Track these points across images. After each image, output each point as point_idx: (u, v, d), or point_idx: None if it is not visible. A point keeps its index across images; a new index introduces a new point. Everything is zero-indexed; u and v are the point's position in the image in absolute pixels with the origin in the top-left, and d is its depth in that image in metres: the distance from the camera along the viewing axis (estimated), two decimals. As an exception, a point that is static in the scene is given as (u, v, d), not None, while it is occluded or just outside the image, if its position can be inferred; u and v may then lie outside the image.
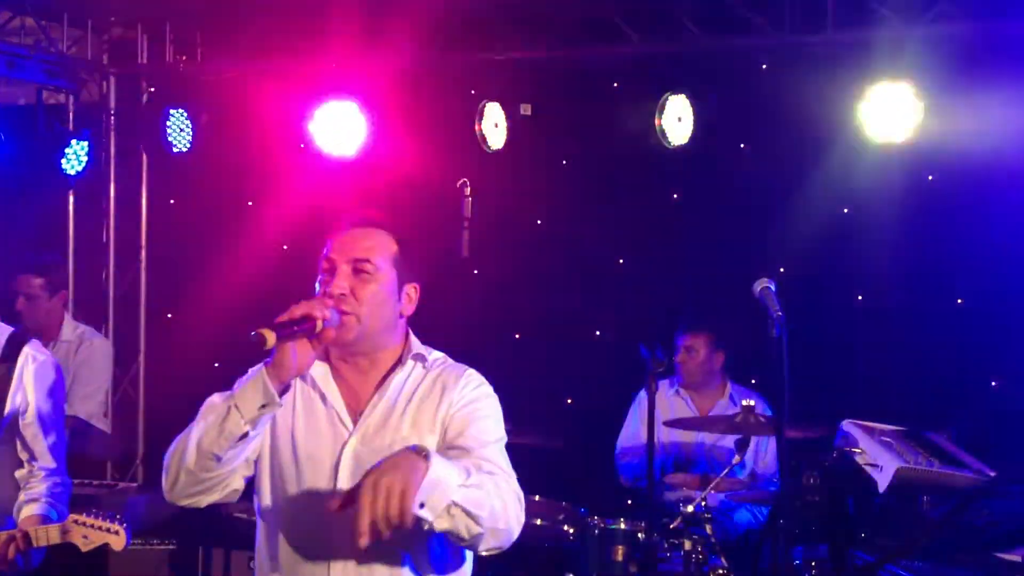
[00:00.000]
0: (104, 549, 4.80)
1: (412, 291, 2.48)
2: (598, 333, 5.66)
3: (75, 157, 5.67)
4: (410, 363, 2.46)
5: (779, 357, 2.71)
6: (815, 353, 5.12)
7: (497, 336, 5.84)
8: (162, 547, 5.46)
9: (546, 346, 5.76)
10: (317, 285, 2.41)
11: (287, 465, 2.40)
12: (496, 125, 5.32)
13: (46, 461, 3.42)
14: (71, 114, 6.08)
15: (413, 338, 2.52)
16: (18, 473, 3.44)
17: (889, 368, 5.20)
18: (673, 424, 4.49)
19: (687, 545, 3.95)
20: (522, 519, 2.31)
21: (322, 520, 2.29)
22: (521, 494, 2.33)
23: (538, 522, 4.58)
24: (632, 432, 5.07)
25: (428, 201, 4.42)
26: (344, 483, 2.34)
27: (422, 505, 2.06)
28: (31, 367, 3.41)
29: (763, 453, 4.77)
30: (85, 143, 5.69)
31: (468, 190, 4.37)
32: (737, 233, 5.42)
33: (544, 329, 5.76)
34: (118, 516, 3.18)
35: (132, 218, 6.35)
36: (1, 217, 5.60)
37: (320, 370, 2.43)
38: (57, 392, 3.51)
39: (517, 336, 5.95)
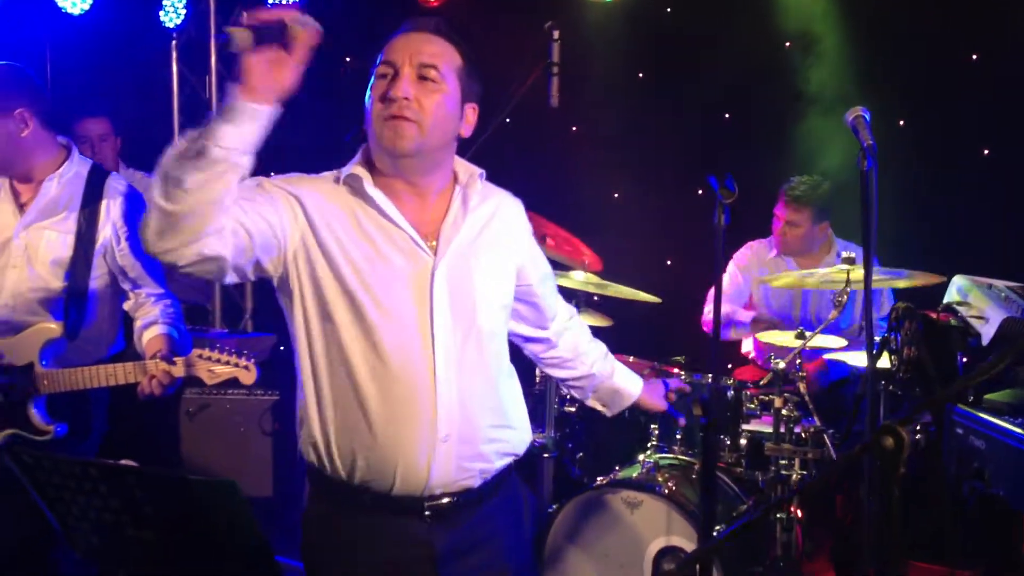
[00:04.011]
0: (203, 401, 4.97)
1: (471, 112, 2.32)
2: (700, 192, 5.41)
3: (173, 10, 5.65)
4: (479, 187, 2.37)
5: (867, 189, 2.47)
6: (936, 205, 4.83)
7: (597, 195, 5.69)
8: (266, 397, 5.62)
9: (646, 206, 5.57)
10: (368, 93, 2.23)
11: (361, 285, 2.20)
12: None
13: (151, 286, 3.48)
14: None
15: (461, 159, 2.40)
16: (126, 305, 3.50)
17: (1013, 225, 4.83)
18: (768, 280, 4.26)
19: (777, 403, 3.77)
20: None
21: (415, 336, 2.22)
22: None
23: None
24: (732, 293, 4.87)
25: (513, 44, 4.21)
26: (441, 311, 2.24)
27: None
28: (117, 199, 3.43)
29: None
30: (183, -7, 5.68)
31: (556, 34, 4.12)
32: (854, 78, 5.05)
33: (644, 188, 5.56)
34: (245, 352, 3.19)
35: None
36: (102, 71, 5.63)
37: (379, 194, 2.25)
38: None
39: (616, 195, 5.77)
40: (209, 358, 3.18)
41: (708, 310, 4.88)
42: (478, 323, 2.29)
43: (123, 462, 2.45)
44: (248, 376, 3.20)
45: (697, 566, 2.55)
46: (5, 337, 3.33)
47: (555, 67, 4.25)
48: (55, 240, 3.35)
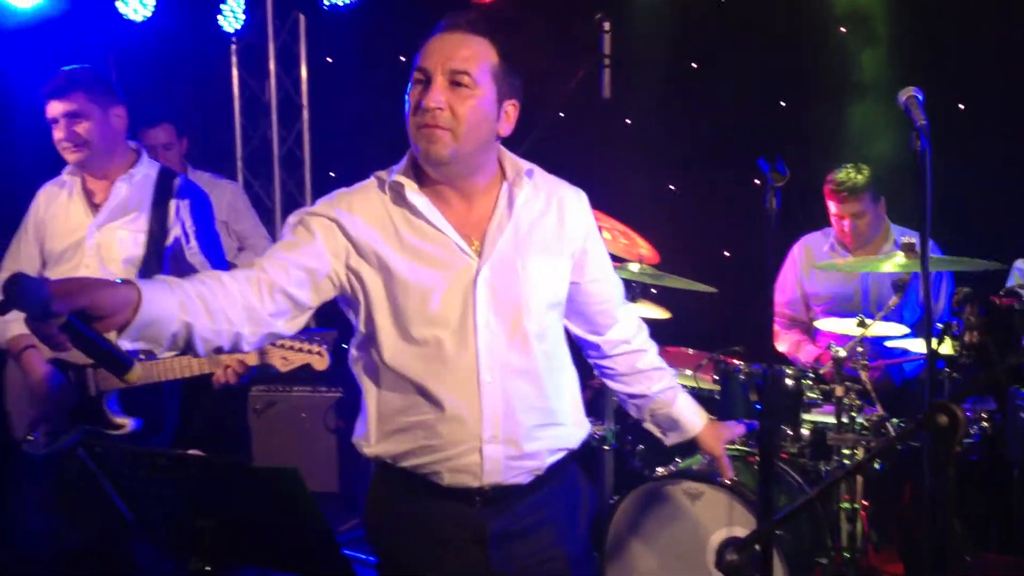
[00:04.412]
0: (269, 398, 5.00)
1: (511, 109, 2.32)
2: (757, 182, 5.38)
3: (232, 15, 5.76)
4: (527, 183, 2.36)
5: (922, 170, 2.45)
6: (997, 189, 4.72)
7: (653, 188, 5.67)
8: (330, 394, 5.73)
9: (703, 197, 5.55)
10: (406, 98, 2.27)
11: (408, 296, 2.27)
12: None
13: None
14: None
15: (510, 155, 2.40)
16: None
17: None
18: (823, 267, 4.21)
19: (838, 391, 3.74)
20: None
21: (461, 344, 2.27)
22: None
23: (688, 372, 4.47)
24: (782, 288, 4.82)
25: (562, 37, 4.23)
26: (483, 314, 2.27)
27: None
28: (186, 200, 3.54)
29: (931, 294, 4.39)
30: (240, 0, 5.77)
31: (607, 25, 4.12)
32: (910, 64, 4.97)
33: (701, 180, 5.54)
34: (317, 337, 3.20)
35: (292, 76, 6.43)
36: (164, 76, 5.75)
37: (421, 201, 2.30)
38: (212, 219, 3.64)
39: (672, 187, 5.76)
40: (282, 345, 3.20)
41: (777, 331, 4.83)
42: (523, 326, 2.31)
43: (190, 452, 2.53)
44: (321, 362, 3.21)
45: (756, 547, 2.54)
46: None
47: (606, 59, 4.26)
48: (127, 239, 3.46)
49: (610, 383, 2.75)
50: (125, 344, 1.95)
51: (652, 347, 2.72)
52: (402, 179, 2.30)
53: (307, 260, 2.25)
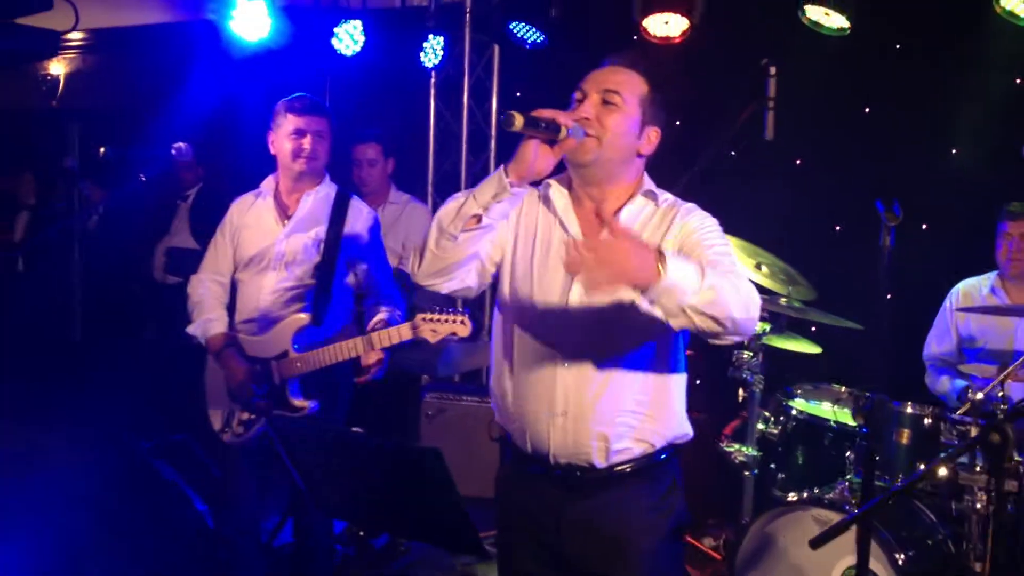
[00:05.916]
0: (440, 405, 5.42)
1: (653, 134, 2.65)
2: (924, 227, 5.41)
3: (432, 51, 6.28)
4: (641, 199, 2.67)
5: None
6: None
7: (816, 228, 5.78)
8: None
9: (867, 239, 5.60)
10: None
11: (523, 278, 2.67)
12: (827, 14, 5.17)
13: (380, 293, 4.07)
14: (432, 12, 6.63)
15: (647, 178, 2.71)
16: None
17: None
18: (969, 311, 4.24)
19: (974, 432, 3.79)
20: (757, 314, 2.43)
21: (552, 326, 2.63)
22: (755, 293, 2.45)
23: (829, 407, 4.58)
24: (938, 334, 4.87)
25: (729, 80, 4.45)
26: (575, 300, 2.61)
27: (652, 302, 2.29)
28: (358, 221, 4.07)
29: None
30: (441, 38, 6.28)
31: (773, 70, 4.34)
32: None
33: (865, 221, 5.60)
34: (461, 309, 3.59)
35: (483, 109, 6.89)
36: (371, 103, 6.33)
37: (562, 201, 2.67)
38: (378, 233, 4.14)
39: (837, 228, 5.85)
40: (430, 319, 3.60)
41: (930, 373, 4.93)
42: (614, 321, 2.59)
43: (353, 429, 2.93)
44: (464, 329, 3.59)
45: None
46: (265, 332, 3.94)
47: (770, 102, 4.48)
48: (310, 246, 3.97)
49: None
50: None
51: None
52: (553, 181, 2.69)
53: (496, 237, 2.66)
